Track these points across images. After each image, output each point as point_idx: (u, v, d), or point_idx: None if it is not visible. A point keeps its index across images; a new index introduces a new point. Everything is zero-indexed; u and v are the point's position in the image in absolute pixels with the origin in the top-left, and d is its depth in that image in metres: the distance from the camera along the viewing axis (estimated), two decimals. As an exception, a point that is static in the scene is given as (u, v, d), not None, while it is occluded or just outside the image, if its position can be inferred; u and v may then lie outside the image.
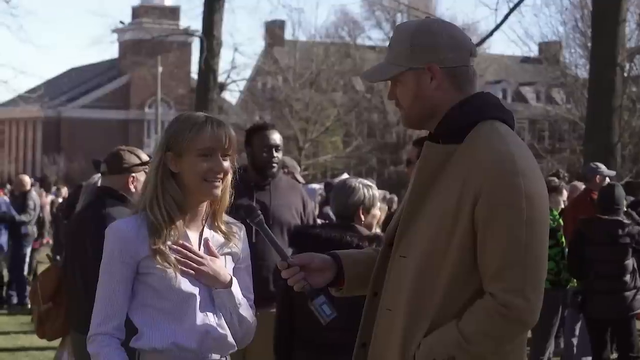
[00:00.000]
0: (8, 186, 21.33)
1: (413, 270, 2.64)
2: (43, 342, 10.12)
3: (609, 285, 7.61)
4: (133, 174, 4.89)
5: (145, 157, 5.00)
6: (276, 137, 5.58)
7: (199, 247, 3.11)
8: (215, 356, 3.11)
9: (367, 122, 51.64)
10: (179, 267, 3.02)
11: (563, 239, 7.81)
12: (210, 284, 3.07)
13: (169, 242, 3.02)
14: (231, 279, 3.10)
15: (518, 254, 2.52)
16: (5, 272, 13.64)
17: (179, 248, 3.03)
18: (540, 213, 2.57)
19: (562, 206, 8.22)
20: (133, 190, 4.87)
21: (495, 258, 2.54)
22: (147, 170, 4.90)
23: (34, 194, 14.17)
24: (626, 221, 7.66)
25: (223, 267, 3.10)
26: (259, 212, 3.01)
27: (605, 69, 15.33)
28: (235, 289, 3.11)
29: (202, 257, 3.06)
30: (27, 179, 14.28)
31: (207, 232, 3.14)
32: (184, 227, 3.07)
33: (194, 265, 3.04)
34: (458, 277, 2.58)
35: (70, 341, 5.05)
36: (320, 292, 2.83)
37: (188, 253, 3.04)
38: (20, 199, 13.58)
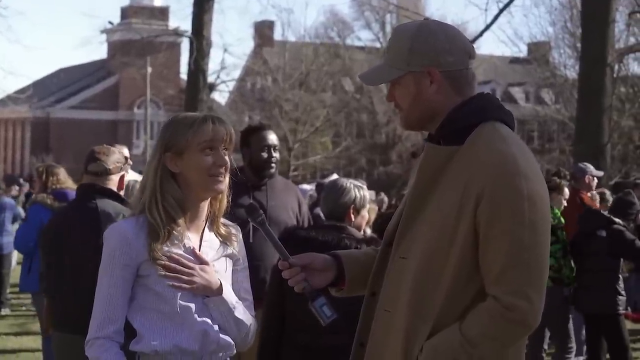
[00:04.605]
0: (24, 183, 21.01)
1: (413, 271, 2.63)
2: (34, 344, 10.14)
3: (592, 279, 7.66)
4: (123, 171, 4.97)
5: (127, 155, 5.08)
6: (273, 138, 5.65)
7: (200, 249, 3.10)
8: (216, 358, 3.09)
9: (356, 122, 51.69)
10: (170, 282, 2.99)
11: (564, 236, 7.85)
12: (201, 293, 3.05)
13: (165, 248, 3.00)
14: (221, 284, 3.08)
15: (520, 256, 2.52)
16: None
17: (167, 263, 3.00)
18: (542, 214, 2.57)
19: (565, 204, 8.24)
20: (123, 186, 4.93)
21: (498, 260, 2.53)
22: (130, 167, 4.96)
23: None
24: (616, 220, 7.71)
25: (213, 273, 3.08)
26: (261, 211, 2.99)
27: (595, 69, 15.39)
28: (227, 293, 3.09)
29: (191, 268, 3.02)
30: None
31: (207, 235, 3.13)
32: (185, 228, 3.06)
33: (185, 277, 3.01)
34: (460, 279, 2.58)
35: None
36: (320, 293, 2.81)
37: (177, 267, 3.00)
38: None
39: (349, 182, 4.46)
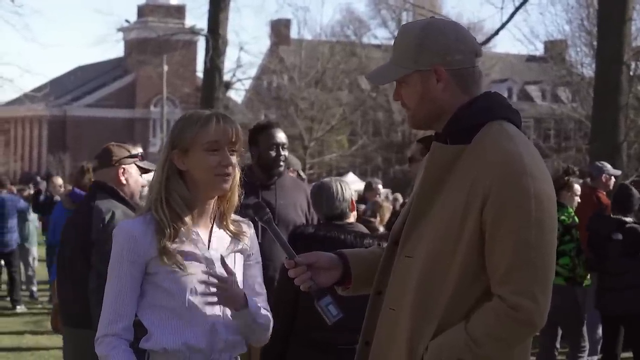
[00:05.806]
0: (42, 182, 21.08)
1: (419, 271, 2.63)
2: (49, 342, 10.19)
3: (613, 282, 7.63)
4: (123, 166, 4.95)
5: (135, 152, 5.09)
6: (282, 136, 5.59)
7: (209, 246, 3.09)
8: (225, 356, 3.09)
9: (372, 120, 51.65)
10: (205, 297, 2.99)
11: (578, 235, 7.81)
12: (229, 307, 3.03)
13: (174, 246, 3.00)
14: (245, 295, 3.06)
15: (527, 256, 2.51)
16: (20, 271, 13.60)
17: (206, 279, 2.99)
18: (548, 214, 2.56)
19: (578, 201, 8.17)
20: (124, 182, 4.94)
21: (504, 260, 2.52)
22: (137, 163, 4.97)
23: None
24: (627, 219, 7.67)
25: (239, 284, 3.06)
26: (268, 210, 2.99)
27: (611, 67, 15.29)
28: (251, 303, 3.06)
29: (225, 282, 3.00)
30: (59, 180, 14.26)
31: (217, 231, 3.13)
32: (193, 226, 3.05)
33: (218, 292, 2.99)
34: (465, 279, 2.57)
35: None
36: (326, 292, 2.81)
37: (214, 281, 2.99)
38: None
39: (336, 181, 4.55)
